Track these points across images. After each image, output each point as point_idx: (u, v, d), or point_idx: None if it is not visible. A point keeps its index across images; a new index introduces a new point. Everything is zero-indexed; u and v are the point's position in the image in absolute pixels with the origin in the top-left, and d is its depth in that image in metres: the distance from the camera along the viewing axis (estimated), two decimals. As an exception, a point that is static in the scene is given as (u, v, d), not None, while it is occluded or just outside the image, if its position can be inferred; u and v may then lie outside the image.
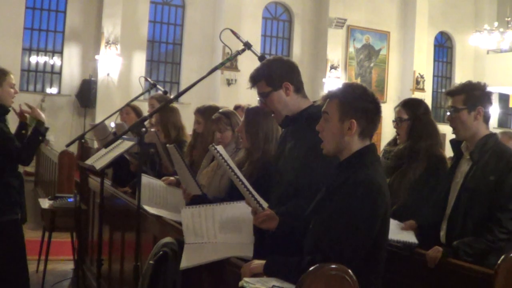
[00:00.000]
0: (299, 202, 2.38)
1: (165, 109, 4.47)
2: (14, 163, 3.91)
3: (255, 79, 2.62)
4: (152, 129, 4.63)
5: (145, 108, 5.42)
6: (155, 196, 3.57)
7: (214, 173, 3.55)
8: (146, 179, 3.60)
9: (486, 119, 2.92)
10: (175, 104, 4.58)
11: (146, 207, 3.23)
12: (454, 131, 2.97)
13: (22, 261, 3.99)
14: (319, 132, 2.20)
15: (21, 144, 3.86)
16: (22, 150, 3.84)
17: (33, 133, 3.92)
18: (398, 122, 3.48)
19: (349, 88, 2.18)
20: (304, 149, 2.47)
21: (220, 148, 2.47)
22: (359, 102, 2.12)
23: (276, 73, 2.59)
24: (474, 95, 2.88)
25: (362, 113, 2.12)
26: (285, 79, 2.59)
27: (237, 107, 5.91)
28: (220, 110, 3.78)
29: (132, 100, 5.14)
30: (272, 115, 2.68)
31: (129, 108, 5.35)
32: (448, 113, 2.96)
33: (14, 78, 4.03)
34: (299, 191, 2.45)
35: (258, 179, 2.78)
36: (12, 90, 3.93)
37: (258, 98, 2.69)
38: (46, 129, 4.01)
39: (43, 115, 4.02)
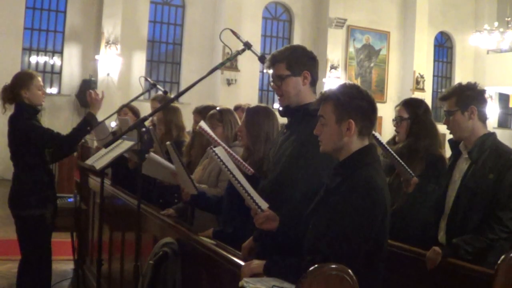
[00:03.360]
0: (295, 203, 2.37)
1: (168, 109, 4.49)
2: (59, 151, 4.14)
3: (276, 60, 2.56)
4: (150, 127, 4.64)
5: (146, 108, 5.41)
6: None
7: (204, 171, 3.58)
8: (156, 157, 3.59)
9: (482, 117, 2.92)
10: (176, 104, 4.59)
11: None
12: (452, 134, 2.99)
13: (47, 254, 4.13)
14: (316, 130, 2.19)
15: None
16: (68, 138, 4.05)
17: (82, 123, 4.12)
18: (398, 121, 3.49)
19: (343, 89, 2.17)
20: (296, 143, 2.46)
21: (218, 150, 2.47)
22: (354, 102, 2.11)
23: (299, 59, 2.56)
24: (465, 95, 2.89)
25: (358, 112, 2.11)
26: (306, 67, 2.56)
27: (237, 108, 5.90)
28: (217, 108, 3.81)
29: (131, 101, 5.13)
30: (278, 98, 2.63)
31: (127, 109, 5.34)
32: (445, 118, 2.98)
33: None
34: (285, 183, 2.43)
35: (257, 179, 2.78)
36: (40, 92, 4.12)
37: (271, 79, 2.63)
38: (96, 121, 4.17)
39: (98, 109, 4.20)
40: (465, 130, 2.91)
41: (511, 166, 2.77)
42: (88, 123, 4.10)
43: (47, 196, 4.08)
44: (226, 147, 2.98)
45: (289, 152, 2.46)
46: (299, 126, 2.49)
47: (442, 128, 3.47)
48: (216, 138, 3.18)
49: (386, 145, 3.11)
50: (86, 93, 4.31)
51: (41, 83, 4.16)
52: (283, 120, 2.84)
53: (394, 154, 3.11)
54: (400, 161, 3.10)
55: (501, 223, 2.71)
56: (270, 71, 2.62)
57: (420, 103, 3.56)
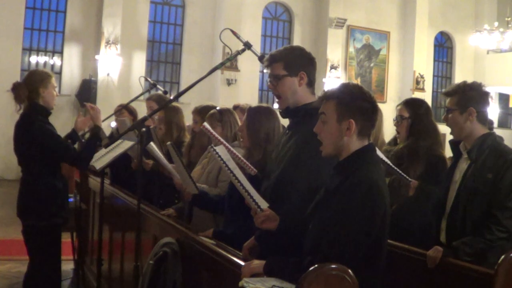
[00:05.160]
0: (295, 203, 2.37)
1: (169, 109, 4.49)
2: (72, 164, 4.00)
3: (274, 59, 2.59)
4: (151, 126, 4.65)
5: (146, 108, 5.41)
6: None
7: (203, 171, 3.58)
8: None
9: (482, 119, 2.91)
10: (176, 104, 4.60)
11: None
12: (451, 131, 2.99)
13: (57, 264, 4.03)
14: (316, 128, 2.19)
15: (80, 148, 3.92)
16: (80, 156, 3.89)
17: (92, 137, 3.94)
18: (399, 120, 3.50)
19: (345, 88, 2.18)
20: (297, 143, 2.47)
21: (219, 149, 2.47)
22: (356, 102, 2.12)
23: (296, 60, 2.58)
24: (466, 96, 2.89)
25: (359, 112, 2.12)
26: (303, 68, 2.58)
27: (235, 107, 5.90)
28: (217, 108, 3.82)
29: (131, 101, 5.14)
30: (277, 100, 2.65)
31: (124, 110, 5.33)
32: (444, 114, 2.99)
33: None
34: (287, 184, 2.44)
35: (259, 180, 2.78)
36: (54, 93, 3.97)
37: (268, 79, 2.66)
38: (103, 133, 4.05)
39: (100, 119, 4.04)
40: (462, 130, 2.91)
41: (510, 166, 2.77)
42: (97, 138, 3.94)
43: (62, 204, 3.91)
44: (230, 147, 2.98)
45: (291, 152, 2.47)
46: (301, 127, 2.49)
47: (442, 128, 3.48)
48: (220, 138, 3.18)
49: (379, 155, 3.10)
50: (86, 106, 4.14)
51: (56, 84, 4.02)
52: (284, 121, 2.84)
53: (389, 162, 3.11)
54: (395, 168, 3.10)
55: (499, 223, 2.70)
56: (268, 71, 2.64)
57: (421, 103, 3.56)
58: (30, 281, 3.93)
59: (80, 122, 4.16)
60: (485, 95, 2.94)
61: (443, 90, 2.92)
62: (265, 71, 15.12)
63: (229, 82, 15.28)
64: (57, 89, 4.06)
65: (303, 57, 2.61)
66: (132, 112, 5.39)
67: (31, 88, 3.84)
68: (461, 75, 18.16)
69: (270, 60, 2.61)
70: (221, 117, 3.63)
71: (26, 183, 3.86)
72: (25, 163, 3.89)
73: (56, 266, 4.00)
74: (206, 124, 3.33)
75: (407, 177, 3.12)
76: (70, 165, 4.08)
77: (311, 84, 2.62)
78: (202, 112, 4.08)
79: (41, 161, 3.81)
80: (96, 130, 3.95)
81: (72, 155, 3.85)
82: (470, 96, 2.89)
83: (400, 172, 3.11)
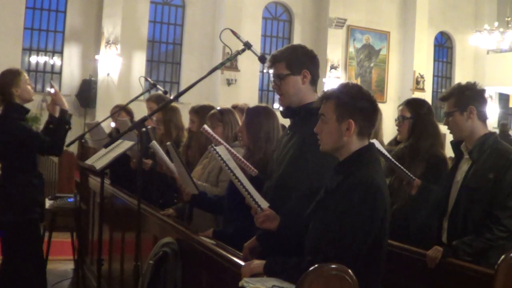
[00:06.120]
0: (296, 203, 2.37)
1: (167, 109, 4.49)
2: (48, 154, 4.06)
3: (276, 59, 2.59)
4: (149, 126, 4.65)
5: (146, 109, 5.41)
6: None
7: (204, 170, 3.58)
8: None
9: (481, 117, 2.92)
10: (175, 104, 4.59)
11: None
12: (452, 134, 2.99)
13: (40, 261, 4.01)
14: (316, 129, 2.19)
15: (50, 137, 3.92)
16: (52, 142, 3.88)
17: (59, 122, 3.93)
18: (400, 120, 3.50)
19: (344, 89, 2.18)
20: (298, 144, 2.47)
21: (220, 149, 2.47)
22: (356, 102, 2.11)
23: (298, 59, 2.58)
24: (464, 96, 2.90)
25: (359, 112, 2.11)
26: (306, 66, 2.58)
27: (234, 107, 5.90)
28: (217, 108, 3.82)
29: (130, 101, 5.13)
30: (279, 98, 2.66)
31: (122, 111, 5.32)
32: (445, 119, 2.99)
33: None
34: (288, 184, 2.44)
35: (260, 180, 2.78)
36: (29, 87, 3.98)
37: (272, 79, 2.66)
38: (70, 116, 4.03)
39: (65, 103, 4.01)
40: (465, 130, 2.91)
41: (511, 165, 2.77)
42: (64, 122, 3.93)
43: (35, 200, 3.92)
44: (231, 148, 2.99)
45: (292, 152, 2.47)
46: (302, 127, 2.49)
47: (443, 128, 3.48)
48: (220, 140, 3.18)
49: (384, 152, 3.11)
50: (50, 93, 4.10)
51: (27, 77, 4.02)
52: (284, 120, 2.84)
53: (393, 160, 3.11)
54: (400, 165, 3.10)
55: (499, 223, 2.70)
56: (271, 71, 2.64)
57: (423, 103, 3.56)
58: (16, 281, 3.86)
59: (50, 106, 4.12)
60: (482, 92, 2.96)
61: (444, 90, 2.89)
62: (265, 70, 15.16)
63: (229, 82, 15.28)
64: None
65: (305, 55, 2.61)
66: (129, 113, 5.38)
67: (2, 91, 3.88)
68: (461, 75, 18.16)
69: (272, 61, 2.61)
70: (222, 117, 3.63)
71: (3, 180, 3.89)
72: (4, 161, 3.93)
73: (39, 265, 3.99)
74: (206, 126, 3.33)
75: (411, 175, 3.12)
76: (46, 154, 4.14)
77: (314, 82, 2.62)
78: (199, 112, 4.08)
79: (17, 158, 3.85)
80: (63, 114, 3.93)
81: (44, 143, 3.86)
82: (468, 95, 2.90)
83: (404, 169, 3.11)
